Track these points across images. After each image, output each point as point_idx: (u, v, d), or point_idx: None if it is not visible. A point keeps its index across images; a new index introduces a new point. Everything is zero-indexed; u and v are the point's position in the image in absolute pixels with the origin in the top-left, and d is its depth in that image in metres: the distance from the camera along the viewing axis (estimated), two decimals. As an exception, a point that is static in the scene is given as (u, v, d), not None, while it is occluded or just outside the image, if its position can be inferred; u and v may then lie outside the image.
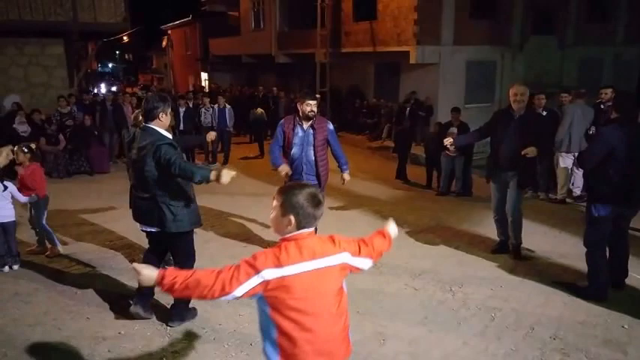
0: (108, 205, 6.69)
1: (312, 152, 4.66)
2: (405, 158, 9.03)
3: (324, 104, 14.70)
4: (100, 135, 10.20)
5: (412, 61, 12.61)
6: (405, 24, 12.73)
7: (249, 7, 20.26)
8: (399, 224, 2.40)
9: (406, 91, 12.97)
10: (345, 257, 1.90)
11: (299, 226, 1.80)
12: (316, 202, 1.82)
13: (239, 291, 1.75)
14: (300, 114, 4.66)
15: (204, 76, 26.68)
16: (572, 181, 6.95)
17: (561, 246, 5.16)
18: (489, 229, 5.59)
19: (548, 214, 6.10)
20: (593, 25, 15.30)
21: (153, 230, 3.46)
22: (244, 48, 20.62)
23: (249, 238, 5.50)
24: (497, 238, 5.03)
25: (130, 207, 3.82)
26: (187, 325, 3.57)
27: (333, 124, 4.95)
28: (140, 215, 3.49)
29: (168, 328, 3.54)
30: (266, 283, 1.75)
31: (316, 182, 4.66)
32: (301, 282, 1.77)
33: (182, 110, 10.66)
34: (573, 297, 3.97)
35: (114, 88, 29.97)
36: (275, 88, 15.84)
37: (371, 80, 15.30)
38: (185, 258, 3.55)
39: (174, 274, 1.79)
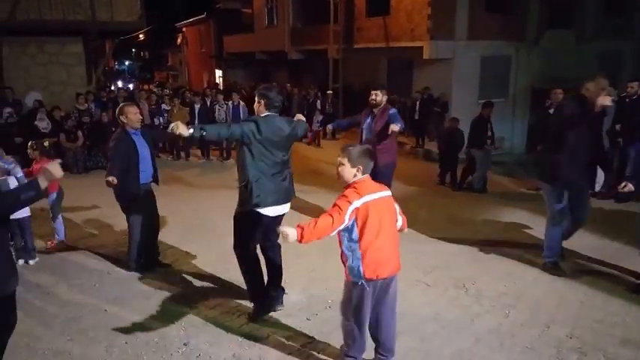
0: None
1: (371, 137, 5.31)
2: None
3: (337, 100, 14.68)
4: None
5: (426, 56, 12.49)
6: (419, 19, 12.61)
7: (263, 4, 20.30)
8: (410, 220, 2.49)
9: (419, 86, 12.85)
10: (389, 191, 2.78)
11: (363, 173, 2.66)
12: (371, 155, 2.71)
13: (346, 217, 2.55)
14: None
15: (218, 73, 26.83)
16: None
17: (575, 245, 5.08)
18: (503, 226, 5.55)
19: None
20: (612, 18, 14.93)
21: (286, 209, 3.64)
22: (258, 45, 20.68)
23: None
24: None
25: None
26: (203, 319, 3.63)
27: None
28: (286, 195, 3.60)
29: (184, 321, 3.60)
30: (357, 209, 2.57)
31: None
32: (374, 206, 2.61)
33: (197, 107, 10.79)
34: (589, 295, 3.93)
35: (130, 86, 30.29)
36: (288, 85, 15.84)
37: (384, 76, 15.19)
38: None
39: (308, 229, 2.51)
